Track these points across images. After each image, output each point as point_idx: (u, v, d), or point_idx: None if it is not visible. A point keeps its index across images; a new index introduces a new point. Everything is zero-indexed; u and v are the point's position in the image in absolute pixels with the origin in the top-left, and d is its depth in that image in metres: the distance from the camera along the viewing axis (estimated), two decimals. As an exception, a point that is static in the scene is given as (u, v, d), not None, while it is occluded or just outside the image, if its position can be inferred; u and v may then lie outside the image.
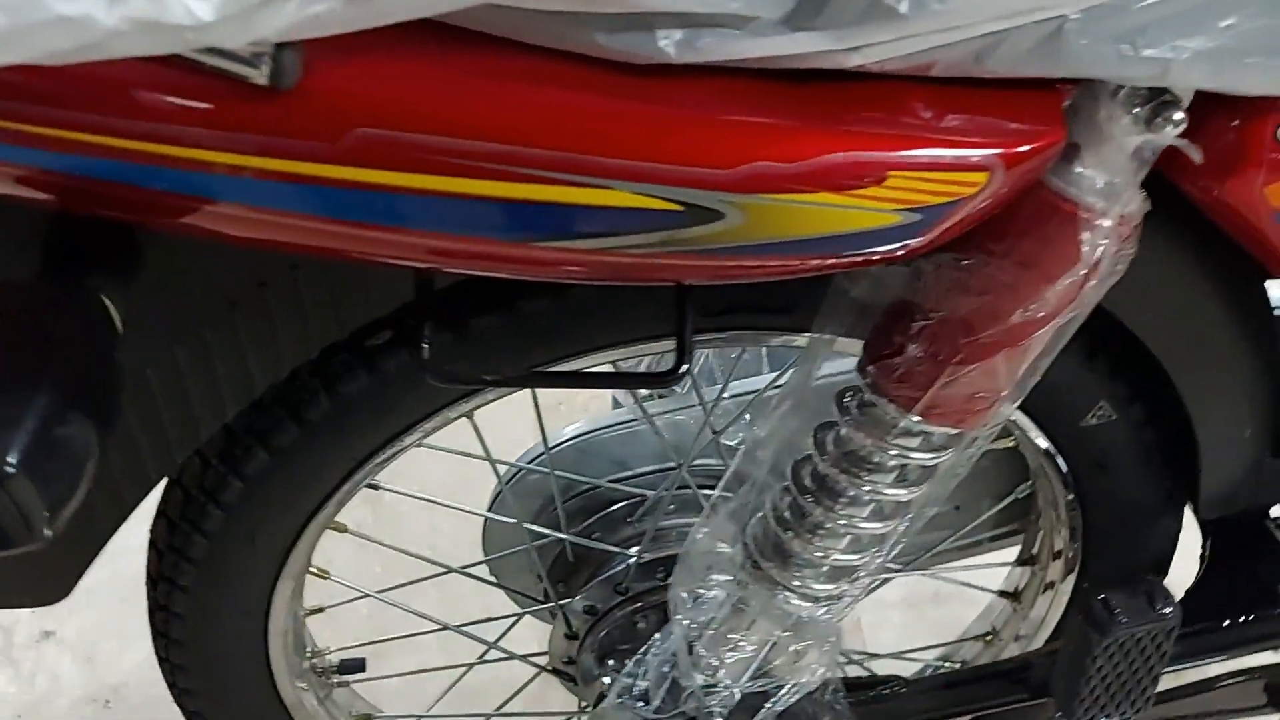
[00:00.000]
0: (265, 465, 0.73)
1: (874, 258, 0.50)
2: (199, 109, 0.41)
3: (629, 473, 0.96)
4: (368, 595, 0.96)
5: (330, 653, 0.97)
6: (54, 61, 0.36)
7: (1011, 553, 1.03)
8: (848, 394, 0.65)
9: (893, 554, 0.69)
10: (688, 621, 0.73)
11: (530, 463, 0.94)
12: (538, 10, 0.42)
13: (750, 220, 0.46)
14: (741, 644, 0.75)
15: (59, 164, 0.43)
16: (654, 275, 0.49)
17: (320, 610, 0.94)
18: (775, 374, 0.89)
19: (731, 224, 0.46)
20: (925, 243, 0.49)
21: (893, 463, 0.64)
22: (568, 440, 0.95)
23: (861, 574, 0.70)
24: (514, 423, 0.93)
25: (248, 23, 0.38)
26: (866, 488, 0.65)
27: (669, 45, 0.43)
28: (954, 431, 0.61)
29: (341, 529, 0.87)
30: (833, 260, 0.49)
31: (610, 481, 0.94)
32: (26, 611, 1.37)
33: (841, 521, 0.67)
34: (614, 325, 0.69)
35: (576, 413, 1.35)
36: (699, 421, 0.90)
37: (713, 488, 0.94)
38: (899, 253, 0.50)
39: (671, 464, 0.94)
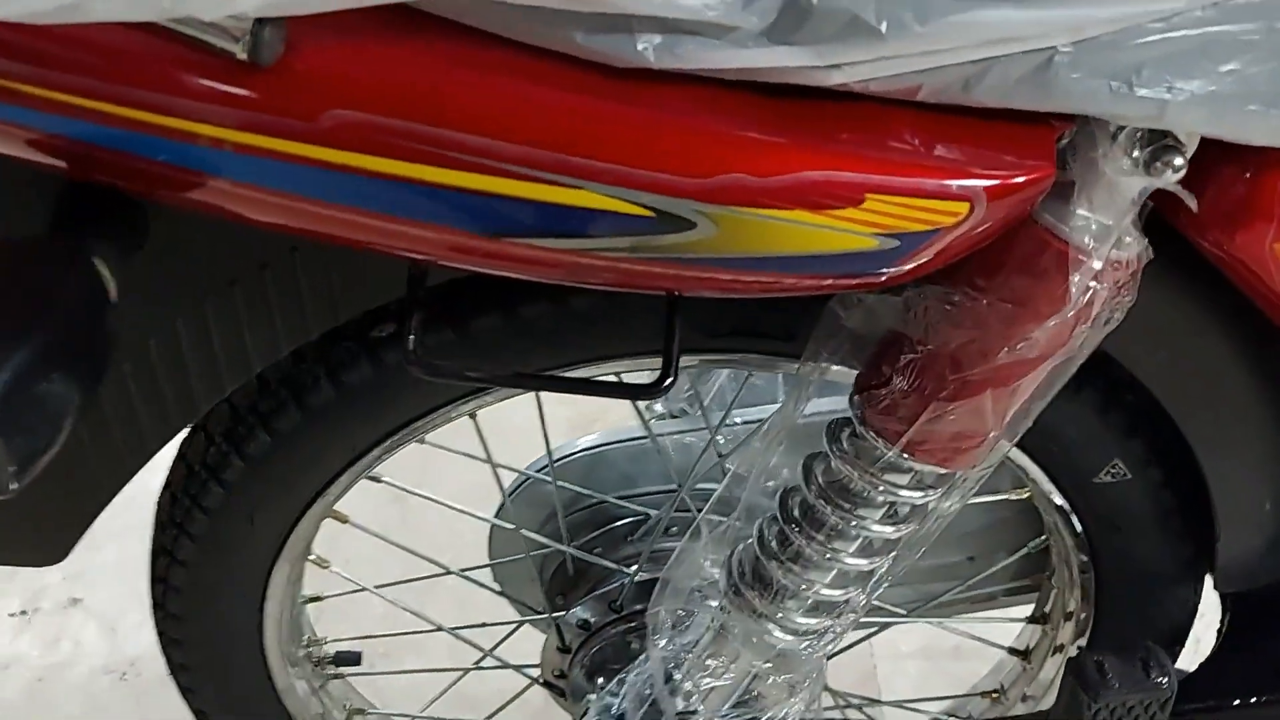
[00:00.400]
0: (266, 447, 0.74)
1: (851, 282, 0.49)
2: (181, 79, 0.42)
3: (635, 490, 0.96)
4: (364, 589, 0.96)
5: (327, 643, 0.98)
6: (34, 20, 0.37)
7: (1029, 609, 1.01)
8: (838, 425, 0.64)
9: (879, 592, 0.68)
10: (665, 642, 0.72)
11: (537, 472, 0.94)
12: (518, 5, 0.43)
13: (723, 232, 0.46)
14: (721, 673, 0.73)
15: (49, 125, 0.44)
16: (626, 282, 0.49)
17: (318, 599, 0.95)
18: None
19: (703, 235, 0.46)
20: (905, 271, 0.49)
21: (881, 498, 0.63)
22: (579, 452, 0.95)
23: (846, 610, 0.69)
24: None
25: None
26: (853, 522, 0.64)
27: (648, 50, 0.43)
28: (941, 470, 0.60)
29: (342, 519, 0.88)
30: (809, 281, 0.49)
31: (615, 497, 0.94)
32: (56, 577, 1.41)
33: (827, 555, 0.65)
34: (613, 336, 0.69)
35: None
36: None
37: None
38: (878, 279, 0.49)
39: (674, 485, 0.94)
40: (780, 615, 0.68)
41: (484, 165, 0.44)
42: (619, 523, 0.94)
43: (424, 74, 0.44)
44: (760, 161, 0.45)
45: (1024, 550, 0.93)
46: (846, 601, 0.68)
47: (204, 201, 0.47)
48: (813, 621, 0.69)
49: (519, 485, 0.95)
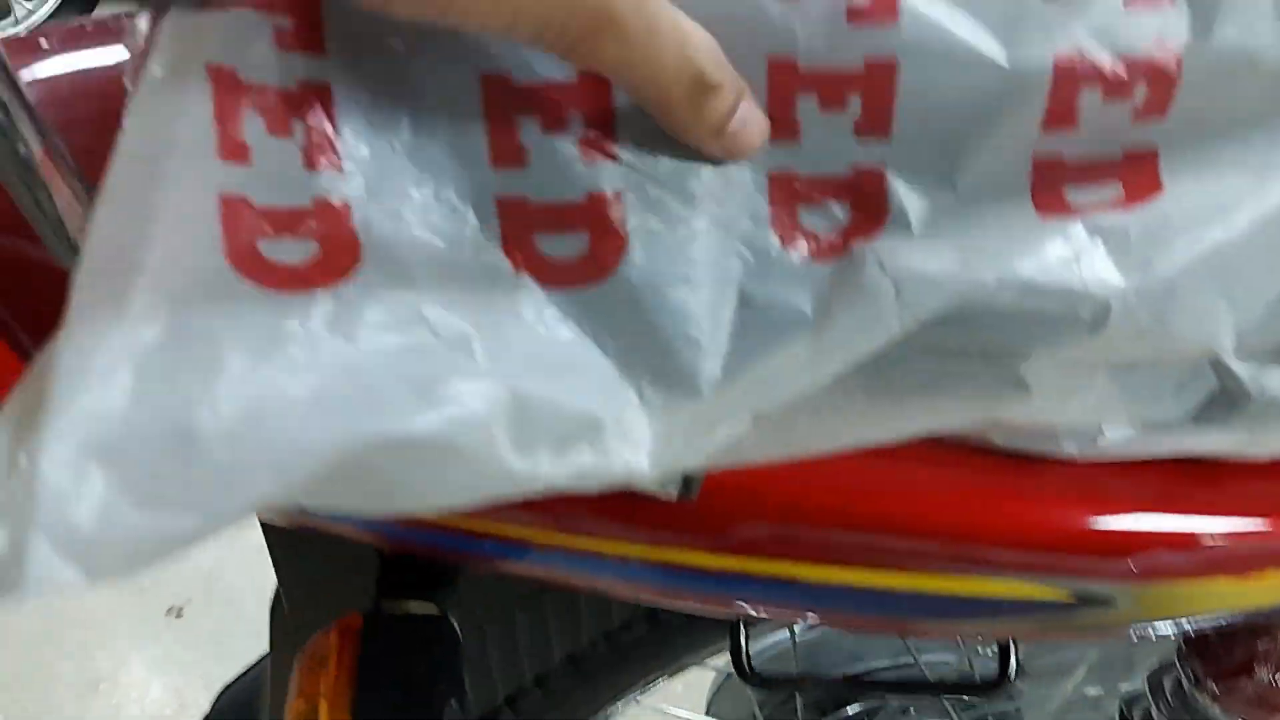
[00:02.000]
0: (537, 700, 0.73)
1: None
2: (601, 511, 0.42)
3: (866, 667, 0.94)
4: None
5: None
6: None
7: None
8: (1164, 677, 0.62)
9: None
10: None
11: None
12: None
13: (1140, 605, 0.44)
14: None
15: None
16: (1019, 639, 0.48)
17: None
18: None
19: (1120, 609, 0.44)
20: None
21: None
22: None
23: None
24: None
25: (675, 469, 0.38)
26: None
27: (1071, 447, 0.42)
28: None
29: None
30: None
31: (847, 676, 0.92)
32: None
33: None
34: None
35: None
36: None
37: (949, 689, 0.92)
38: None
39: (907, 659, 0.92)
40: None
41: (900, 565, 0.43)
42: (854, 708, 0.93)
43: (827, 475, 0.43)
44: (1186, 534, 0.43)
45: None
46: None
47: (578, 588, 0.47)
48: None
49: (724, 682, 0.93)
